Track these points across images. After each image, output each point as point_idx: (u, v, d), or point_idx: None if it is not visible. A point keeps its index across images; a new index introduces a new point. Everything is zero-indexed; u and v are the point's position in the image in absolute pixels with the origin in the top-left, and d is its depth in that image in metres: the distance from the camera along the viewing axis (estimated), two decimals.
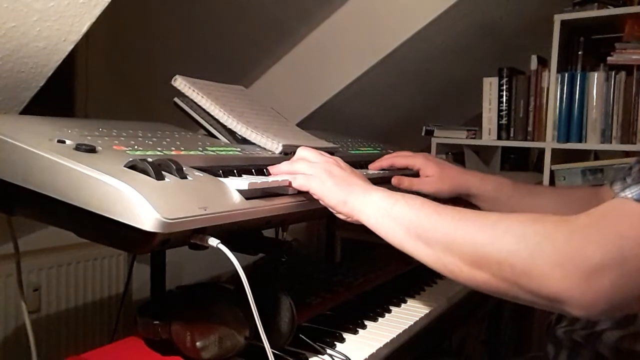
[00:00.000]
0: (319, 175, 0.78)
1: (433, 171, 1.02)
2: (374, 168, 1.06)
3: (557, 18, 1.89)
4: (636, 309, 0.74)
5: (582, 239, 0.55)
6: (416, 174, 1.05)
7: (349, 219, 0.76)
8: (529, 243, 0.57)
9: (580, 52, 1.96)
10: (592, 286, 0.53)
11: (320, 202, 0.78)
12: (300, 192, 0.80)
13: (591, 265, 0.53)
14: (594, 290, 0.53)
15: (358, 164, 1.03)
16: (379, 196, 0.73)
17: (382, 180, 0.99)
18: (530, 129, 2.02)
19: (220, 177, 0.74)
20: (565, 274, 0.54)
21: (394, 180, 1.01)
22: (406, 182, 1.01)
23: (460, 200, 1.04)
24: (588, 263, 0.53)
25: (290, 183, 0.78)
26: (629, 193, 0.57)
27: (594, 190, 1.03)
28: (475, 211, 0.68)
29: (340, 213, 0.76)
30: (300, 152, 0.84)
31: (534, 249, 0.56)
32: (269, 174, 0.85)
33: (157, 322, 0.75)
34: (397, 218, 0.70)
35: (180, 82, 1.02)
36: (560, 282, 0.54)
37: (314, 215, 0.88)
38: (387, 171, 1.07)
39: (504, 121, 2.06)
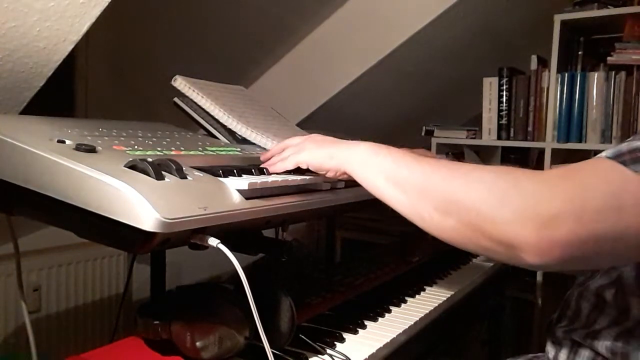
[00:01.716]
0: (304, 146, 0.82)
1: None
2: None
3: (557, 18, 1.89)
4: (596, 266, 0.76)
5: (547, 188, 0.57)
6: None
7: (337, 175, 0.80)
8: (498, 191, 0.59)
9: (580, 52, 1.96)
10: (549, 233, 0.54)
11: (311, 168, 0.81)
12: (300, 192, 0.81)
13: (550, 213, 0.55)
14: (550, 237, 0.54)
15: None
16: (364, 147, 0.76)
17: None
18: (530, 129, 2.02)
19: (220, 177, 0.74)
20: (525, 220, 0.56)
21: None
22: None
23: None
24: (547, 211, 0.55)
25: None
26: (604, 153, 0.59)
27: None
28: (452, 162, 0.70)
29: (329, 170, 0.80)
30: (281, 143, 0.89)
31: (502, 196, 0.58)
32: (269, 173, 0.85)
33: (157, 322, 0.75)
34: (378, 166, 0.72)
35: (180, 82, 1.02)
36: (520, 227, 0.56)
37: (314, 215, 0.88)
38: None
39: (504, 121, 2.06)
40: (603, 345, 0.77)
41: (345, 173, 0.78)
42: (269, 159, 0.89)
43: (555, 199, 0.55)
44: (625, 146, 0.59)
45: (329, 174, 0.80)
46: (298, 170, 0.85)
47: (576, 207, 0.55)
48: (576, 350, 0.82)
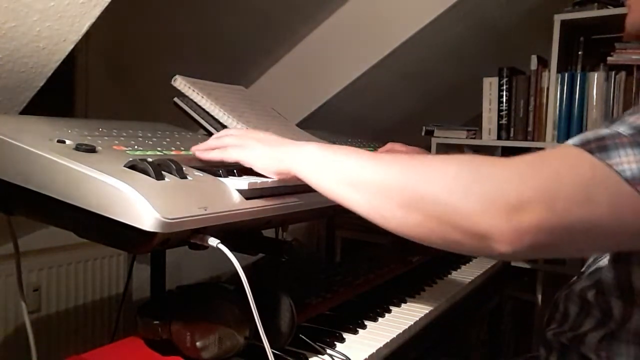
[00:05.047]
0: (247, 143, 0.78)
1: None
2: None
3: (557, 18, 1.89)
4: (567, 255, 0.74)
5: (515, 175, 0.56)
6: None
7: (287, 178, 0.75)
8: (464, 180, 0.57)
9: (580, 52, 1.96)
10: (519, 220, 0.53)
11: (255, 169, 0.77)
12: (300, 192, 0.80)
13: (520, 200, 0.54)
14: (520, 224, 0.53)
15: None
16: (313, 148, 0.72)
17: None
18: (530, 129, 2.02)
19: (220, 177, 0.74)
20: (494, 209, 0.54)
21: None
22: None
23: None
24: (517, 198, 0.54)
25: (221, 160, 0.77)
26: (570, 141, 0.58)
27: None
28: (409, 155, 0.67)
29: (278, 173, 0.75)
30: (224, 130, 0.84)
31: (469, 185, 0.56)
32: (197, 156, 0.82)
33: (157, 322, 0.75)
34: (329, 167, 0.69)
35: (180, 82, 1.03)
36: (489, 216, 0.54)
37: (314, 215, 0.88)
38: None
39: (504, 121, 2.06)
40: (589, 348, 0.77)
41: (294, 177, 0.73)
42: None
43: (525, 186, 0.54)
44: (591, 134, 0.58)
45: (276, 177, 0.76)
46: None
47: (546, 195, 0.54)
48: (565, 353, 0.82)
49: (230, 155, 0.78)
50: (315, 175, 0.70)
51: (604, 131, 0.58)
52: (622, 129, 0.57)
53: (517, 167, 0.57)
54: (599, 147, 0.56)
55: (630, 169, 0.54)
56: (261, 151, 0.76)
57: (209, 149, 0.81)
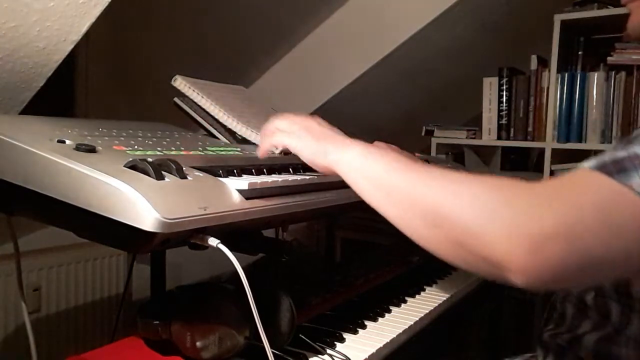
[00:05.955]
0: (296, 131, 0.79)
1: None
2: None
3: (557, 18, 1.89)
4: (579, 286, 0.75)
5: (539, 207, 0.55)
6: None
7: (327, 172, 0.76)
8: (487, 207, 0.57)
9: (580, 52, 1.96)
10: (539, 254, 0.52)
11: (301, 158, 0.78)
12: (300, 192, 0.80)
13: (542, 234, 0.52)
14: (540, 259, 0.52)
15: None
16: (357, 150, 0.73)
17: None
18: (530, 129, 2.02)
19: (220, 177, 0.74)
20: (515, 240, 0.53)
21: None
22: None
23: None
24: (540, 231, 0.53)
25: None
26: (587, 164, 0.57)
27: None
28: (444, 169, 0.67)
29: (318, 166, 0.76)
30: (279, 115, 0.85)
31: (491, 213, 0.56)
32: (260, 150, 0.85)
33: (157, 322, 0.75)
34: (367, 172, 0.70)
35: (180, 82, 1.03)
36: (509, 246, 0.53)
37: (314, 215, 0.88)
38: None
39: (504, 121, 2.06)
40: (586, 350, 0.77)
41: (335, 173, 0.75)
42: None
43: (548, 218, 0.53)
44: (607, 157, 0.57)
45: (319, 169, 0.77)
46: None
47: (568, 228, 0.52)
48: (562, 354, 0.82)
49: (278, 140, 0.80)
50: (352, 175, 0.72)
51: (621, 153, 0.56)
52: (639, 149, 0.56)
53: (540, 197, 0.56)
54: (617, 170, 0.55)
55: None
56: (309, 142, 0.77)
57: (263, 136, 0.83)
